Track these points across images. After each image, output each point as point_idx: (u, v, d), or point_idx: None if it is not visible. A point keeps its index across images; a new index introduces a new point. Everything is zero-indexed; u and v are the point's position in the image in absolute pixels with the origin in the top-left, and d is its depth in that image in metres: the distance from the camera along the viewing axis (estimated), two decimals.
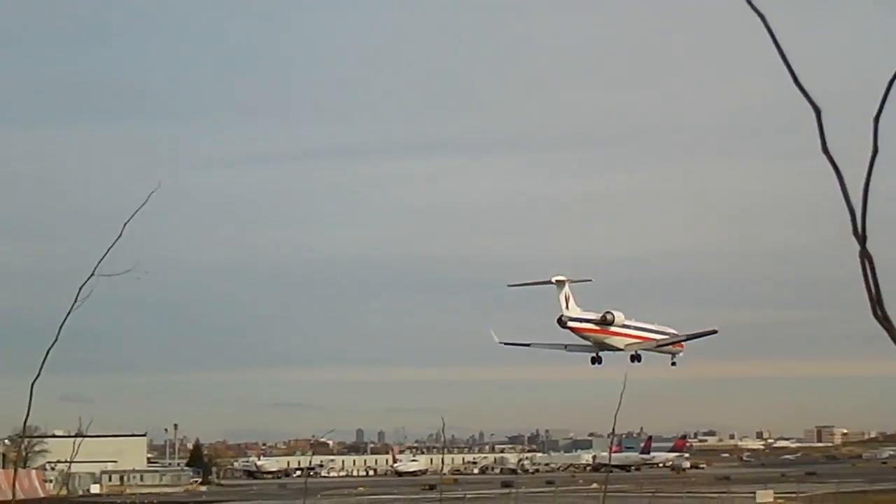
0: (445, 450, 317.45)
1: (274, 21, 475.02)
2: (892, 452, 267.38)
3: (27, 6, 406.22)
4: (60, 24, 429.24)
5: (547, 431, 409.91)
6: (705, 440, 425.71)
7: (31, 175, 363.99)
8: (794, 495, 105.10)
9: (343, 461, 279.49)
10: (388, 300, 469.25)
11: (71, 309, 13.25)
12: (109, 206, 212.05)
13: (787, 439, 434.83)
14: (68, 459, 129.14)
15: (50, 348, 13.36)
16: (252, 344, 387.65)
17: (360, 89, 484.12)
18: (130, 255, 14.16)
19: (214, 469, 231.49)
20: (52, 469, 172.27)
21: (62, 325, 13.35)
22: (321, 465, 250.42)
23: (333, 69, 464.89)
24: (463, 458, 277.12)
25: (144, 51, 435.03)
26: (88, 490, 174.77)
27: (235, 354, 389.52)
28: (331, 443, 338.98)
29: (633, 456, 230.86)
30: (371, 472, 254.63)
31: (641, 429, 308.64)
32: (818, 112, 4.80)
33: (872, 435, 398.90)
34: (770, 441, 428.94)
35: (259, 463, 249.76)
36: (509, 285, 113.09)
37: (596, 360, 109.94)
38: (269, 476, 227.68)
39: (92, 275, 13.15)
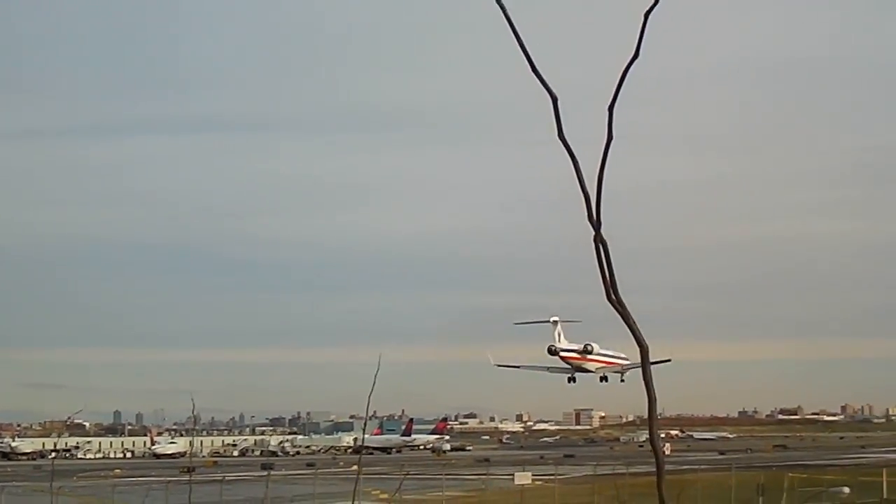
0: (205, 432, 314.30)
1: None
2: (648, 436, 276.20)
3: None
4: None
5: (308, 414, 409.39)
6: (466, 423, 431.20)
7: None
8: (552, 477, 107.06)
9: (100, 443, 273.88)
10: (147, 281, 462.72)
11: None
12: None
13: (546, 422, 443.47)
14: None
15: None
16: (5, 323, 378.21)
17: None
18: None
19: None
20: None
21: None
22: (77, 447, 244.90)
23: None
24: (223, 441, 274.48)
25: None
26: None
27: None
28: (87, 424, 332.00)
29: (394, 438, 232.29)
30: (128, 455, 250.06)
31: (403, 411, 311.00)
32: (555, 99, 4.90)
33: (630, 419, 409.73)
34: (529, 424, 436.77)
35: (13, 444, 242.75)
36: (515, 323, 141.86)
37: (572, 379, 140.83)
38: (24, 457, 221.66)
39: None
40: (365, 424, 23.62)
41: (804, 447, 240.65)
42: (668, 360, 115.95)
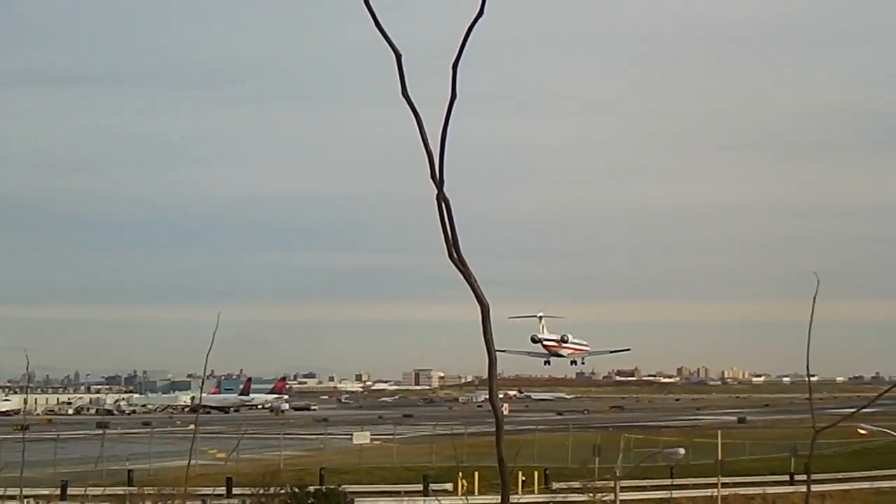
0: (39, 390, 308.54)
1: None
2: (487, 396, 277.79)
3: None
4: None
5: (145, 372, 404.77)
6: (305, 382, 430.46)
7: None
8: (391, 437, 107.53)
9: None
10: None
11: None
12: None
13: (385, 382, 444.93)
14: None
15: None
16: None
17: None
18: None
19: None
20: None
21: None
22: None
23: None
24: (58, 399, 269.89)
25: None
26: None
27: None
28: None
29: (232, 398, 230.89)
30: None
31: (241, 370, 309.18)
32: (398, 56, 4.85)
33: (469, 379, 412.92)
34: (369, 384, 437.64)
35: None
36: (510, 317, 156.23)
37: (547, 362, 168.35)
38: None
39: None
40: (202, 383, 23.43)
41: (640, 408, 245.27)
42: (628, 350, 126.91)
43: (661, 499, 77.85)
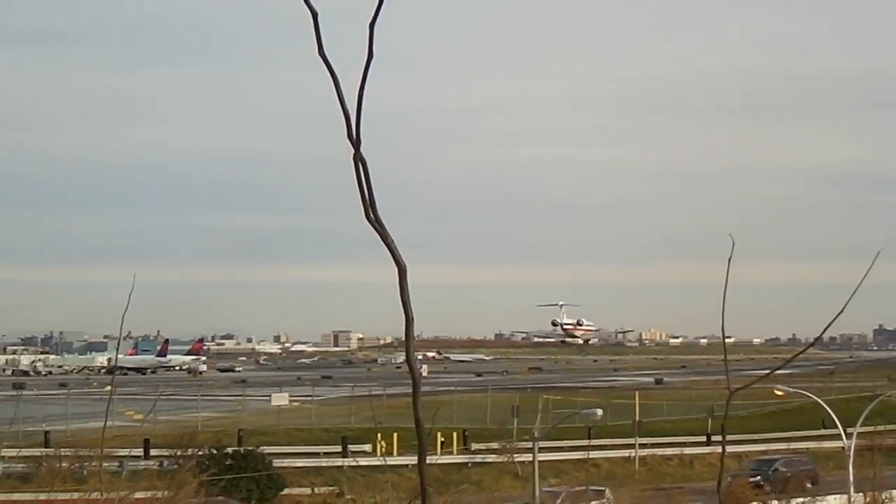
0: None
1: None
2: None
3: None
4: None
5: (61, 333, 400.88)
6: (223, 343, 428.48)
7: None
8: (309, 398, 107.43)
9: None
10: None
11: None
12: None
13: (304, 343, 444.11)
14: None
15: None
16: None
17: None
18: None
19: None
20: None
21: None
22: None
23: None
24: None
25: None
26: None
27: None
28: None
29: (149, 359, 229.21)
30: None
31: (159, 332, 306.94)
32: (315, 15, 4.81)
33: (388, 340, 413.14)
34: (287, 345, 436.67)
35: None
36: (538, 305, 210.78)
37: (563, 342, 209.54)
38: None
39: None
40: (118, 344, 23.25)
41: (559, 370, 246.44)
42: (631, 331, 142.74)
43: (578, 459, 78.62)
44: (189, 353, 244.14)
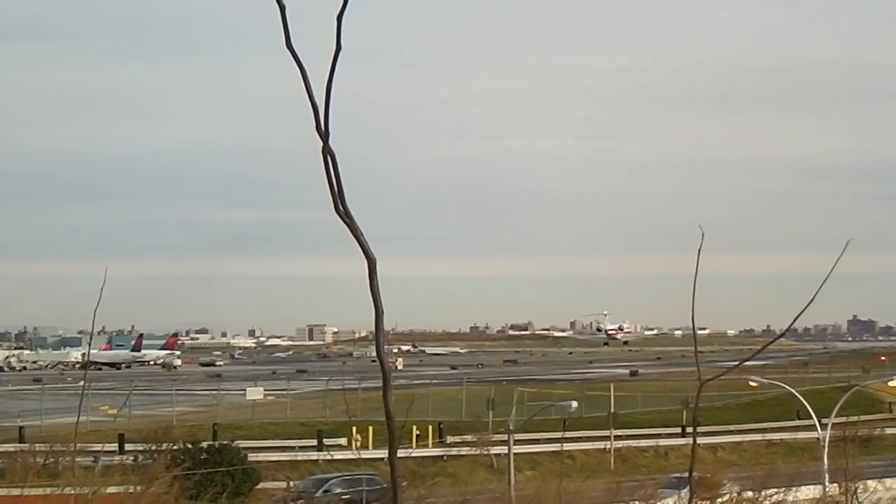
0: None
1: None
2: None
3: None
4: None
5: (35, 328, 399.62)
6: (197, 338, 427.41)
7: None
8: (284, 392, 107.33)
9: None
10: None
11: None
12: None
13: (279, 337, 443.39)
14: None
15: None
16: None
17: None
18: None
19: None
20: None
21: None
22: None
23: None
24: None
25: None
26: None
27: None
28: None
29: (124, 353, 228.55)
30: None
31: (133, 326, 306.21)
32: (283, 8, 4.79)
33: (363, 334, 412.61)
34: (262, 339, 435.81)
35: None
36: (583, 315, 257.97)
37: (606, 343, 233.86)
38: None
39: None
40: (91, 339, 23.12)
41: (534, 362, 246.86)
42: (659, 328, 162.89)
43: (554, 451, 78.67)
44: (163, 347, 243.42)
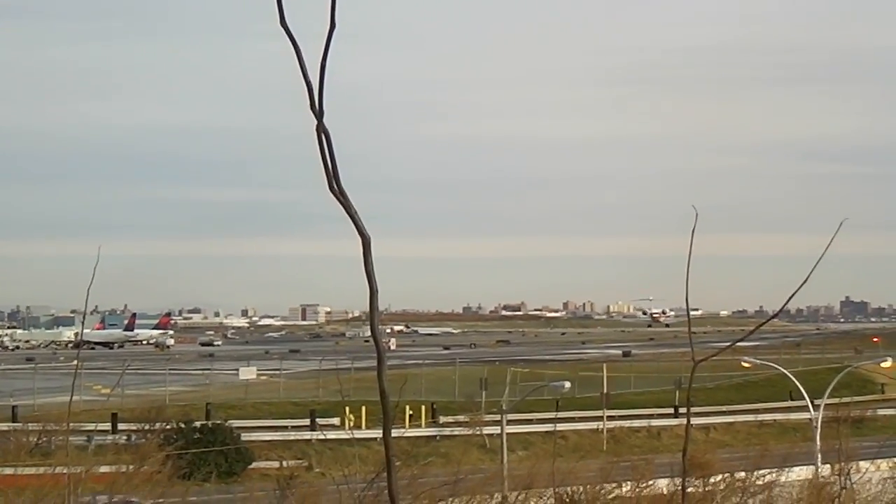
0: None
1: None
2: None
3: None
4: None
5: (28, 308, 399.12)
6: (190, 317, 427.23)
7: None
8: (277, 372, 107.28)
9: None
10: None
11: None
12: None
13: (271, 317, 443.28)
14: None
15: None
16: None
17: None
18: None
19: None
20: None
21: None
22: None
23: None
24: None
25: None
26: None
27: None
28: None
29: (117, 333, 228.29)
30: None
31: (126, 306, 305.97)
32: None
33: (356, 314, 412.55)
34: (255, 319, 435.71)
35: None
36: (632, 301, 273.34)
37: (650, 325, 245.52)
38: None
39: None
40: (84, 318, 23.11)
41: (527, 342, 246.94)
42: (697, 310, 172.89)
43: (546, 432, 78.81)
44: (156, 327, 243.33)
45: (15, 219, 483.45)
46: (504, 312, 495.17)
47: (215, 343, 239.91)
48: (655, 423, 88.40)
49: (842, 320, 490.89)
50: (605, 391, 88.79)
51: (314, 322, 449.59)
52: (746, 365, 79.63)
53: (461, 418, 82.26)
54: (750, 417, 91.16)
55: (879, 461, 44.50)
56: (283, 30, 4.72)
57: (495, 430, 66.41)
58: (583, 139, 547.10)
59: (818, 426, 55.30)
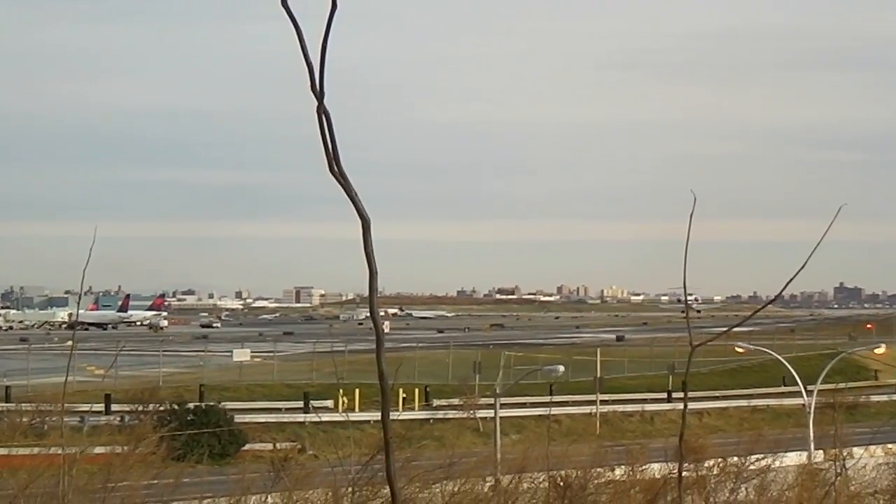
0: None
1: None
2: (368, 314, 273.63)
3: None
4: None
5: (21, 288, 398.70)
6: (184, 299, 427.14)
7: None
8: (271, 354, 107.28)
9: None
10: None
11: None
12: None
13: (265, 299, 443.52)
14: None
15: None
16: None
17: None
18: None
19: None
20: None
21: None
22: None
23: None
24: None
25: None
26: None
27: None
28: None
29: (110, 314, 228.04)
30: None
31: (120, 287, 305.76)
32: None
33: (350, 297, 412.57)
34: (249, 301, 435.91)
35: None
36: (669, 288, 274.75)
37: (684, 312, 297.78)
38: None
39: None
40: (79, 299, 23.02)
41: (521, 326, 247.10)
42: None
43: (540, 415, 78.83)
44: (150, 308, 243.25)
45: (8, 199, 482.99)
46: (498, 296, 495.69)
47: (214, 325, 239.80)
48: (649, 407, 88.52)
49: (835, 306, 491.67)
50: (598, 375, 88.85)
51: (308, 304, 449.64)
52: (740, 350, 79.75)
53: (455, 401, 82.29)
54: (743, 403, 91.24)
55: (873, 447, 44.56)
56: (283, 10, 4.70)
57: (489, 413, 66.44)
58: (578, 124, 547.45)
59: (811, 412, 55.37)
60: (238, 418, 71.47)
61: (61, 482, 19.07)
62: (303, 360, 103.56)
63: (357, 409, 74.44)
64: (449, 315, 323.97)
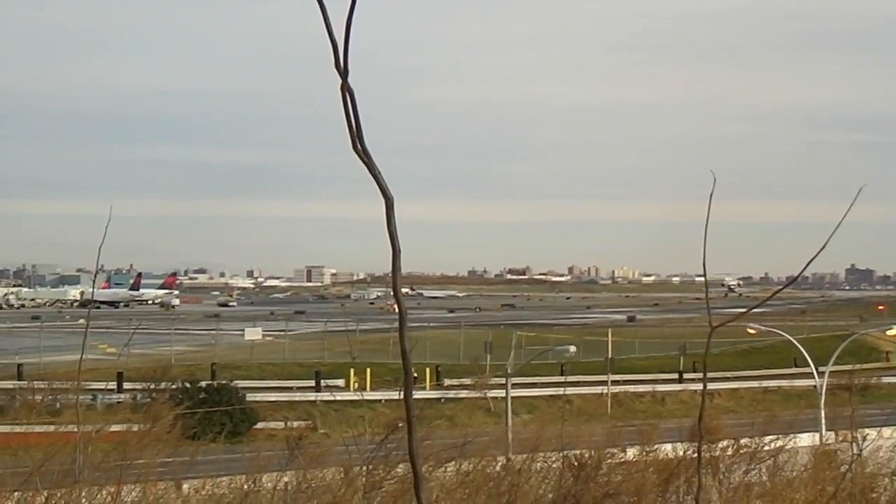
0: None
1: None
2: (379, 293, 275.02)
3: None
4: None
5: (33, 266, 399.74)
6: (196, 278, 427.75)
7: None
8: (282, 333, 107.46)
9: None
10: None
11: None
12: None
13: (277, 278, 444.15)
14: None
15: None
16: None
17: None
18: None
19: None
20: None
21: None
22: None
23: None
24: None
25: None
26: None
27: None
28: None
29: (122, 292, 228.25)
30: None
31: (131, 265, 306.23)
32: None
33: (361, 276, 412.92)
34: (260, 280, 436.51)
35: None
36: (727, 292, 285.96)
37: (726, 295, 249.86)
38: None
39: None
40: (94, 277, 23.06)
41: (532, 307, 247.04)
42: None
43: (551, 395, 78.97)
44: (162, 287, 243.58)
45: (21, 178, 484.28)
46: (509, 276, 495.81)
47: (231, 304, 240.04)
48: (660, 388, 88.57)
49: (847, 288, 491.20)
50: (609, 356, 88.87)
51: (319, 284, 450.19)
52: (752, 332, 79.72)
53: (466, 381, 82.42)
54: (754, 384, 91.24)
55: (885, 429, 44.52)
56: None
57: (500, 393, 66.55)
58: (591, 105, 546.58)
59: (823, 393, 55.36)
60: (250, 397, 71.67)
61: (77, 460, 19.14)
62: (314, 339, 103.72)
63: (368, 388, 74.59)
64: (460, 295, 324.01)
